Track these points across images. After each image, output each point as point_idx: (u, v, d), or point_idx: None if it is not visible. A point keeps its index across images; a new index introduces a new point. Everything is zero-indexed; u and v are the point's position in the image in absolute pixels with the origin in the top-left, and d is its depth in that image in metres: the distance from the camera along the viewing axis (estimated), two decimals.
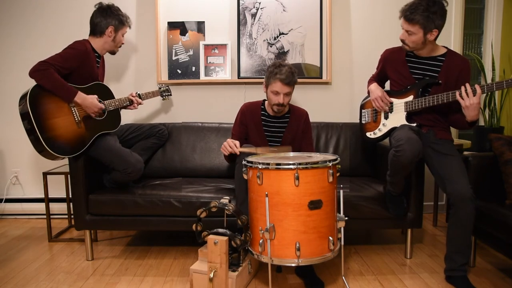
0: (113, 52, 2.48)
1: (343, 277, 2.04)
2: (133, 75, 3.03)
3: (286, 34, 2.96)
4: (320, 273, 2.10)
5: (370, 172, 2.72)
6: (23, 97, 2.11)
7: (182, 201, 2.23)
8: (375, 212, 2.24)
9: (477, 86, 1.91)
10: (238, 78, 2.98)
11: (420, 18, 1.95)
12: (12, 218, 3.14)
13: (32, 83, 2.13)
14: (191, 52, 2.97)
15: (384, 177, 2.20)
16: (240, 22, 2.95)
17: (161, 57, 2.97)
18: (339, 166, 1.85)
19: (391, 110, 2.26)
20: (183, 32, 2.95)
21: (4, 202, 3.13)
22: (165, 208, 2.24)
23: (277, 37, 2.96)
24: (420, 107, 2.11)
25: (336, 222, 1.85)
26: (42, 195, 2.83)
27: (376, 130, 2.34)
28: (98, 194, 2.29)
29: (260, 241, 1.80)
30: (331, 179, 1.78)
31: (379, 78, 2.39)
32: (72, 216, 2.40)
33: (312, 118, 2.51)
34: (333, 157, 1.84)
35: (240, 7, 2.93)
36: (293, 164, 1.73)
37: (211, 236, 1.85)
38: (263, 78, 2.35)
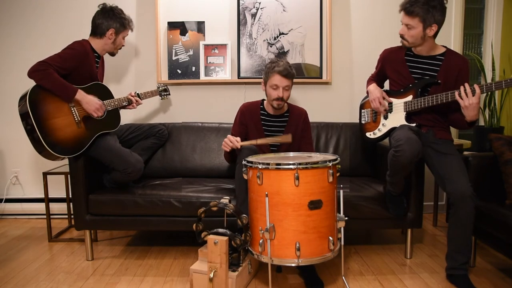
0: (112, 54, 2.47)
1: (343, 277, 2.04)
2: (133, 75, 3.03)
3: (286, 34, 2.95)
4: (320, 273, 2.10)
5: (370, 172, 2.72)
6: (22, 97, 2.11)
7: (182, 201, 2.23)
8: (375, 212, 2.24)
9: (476, 86, 1.91)
10: (238, 78, 2.98)
11: (420, 10, 1.96)
12: (12, 218, 3.14)
13: (32, 83, 2.13)
14: (191, 52, 2.96)
15: (384, 177, 2.20)
16: (240, 22, 2.94)
17: (161, 57, 2.97)
18: (339, 166, 1.85)
19: (390, 110, 2.26)
20: (183, 32, 2.95)
21: (4, 202, 3.13)
22: (165, 208, 2.24)
23: (277, 37, 2.96)
24: (420, 107, 2.11)
25: (336, 222, 1.85)
26: (42, 195, 2.83)
27: (376, 130, 2.34)
28: (98, 194, 2.29)
29: (260, 241, 1.80)
30: (331, 179, 1.78)
31: (378, 78, 2.39)
32: (72, 216, 2.40)
33: (312, 118, 2.51)
34: (333, 157, 1.84)
35: (240, 7, 2.93)
36: (293, 164, 1.73)
37: (211, 236, 1.85)
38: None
